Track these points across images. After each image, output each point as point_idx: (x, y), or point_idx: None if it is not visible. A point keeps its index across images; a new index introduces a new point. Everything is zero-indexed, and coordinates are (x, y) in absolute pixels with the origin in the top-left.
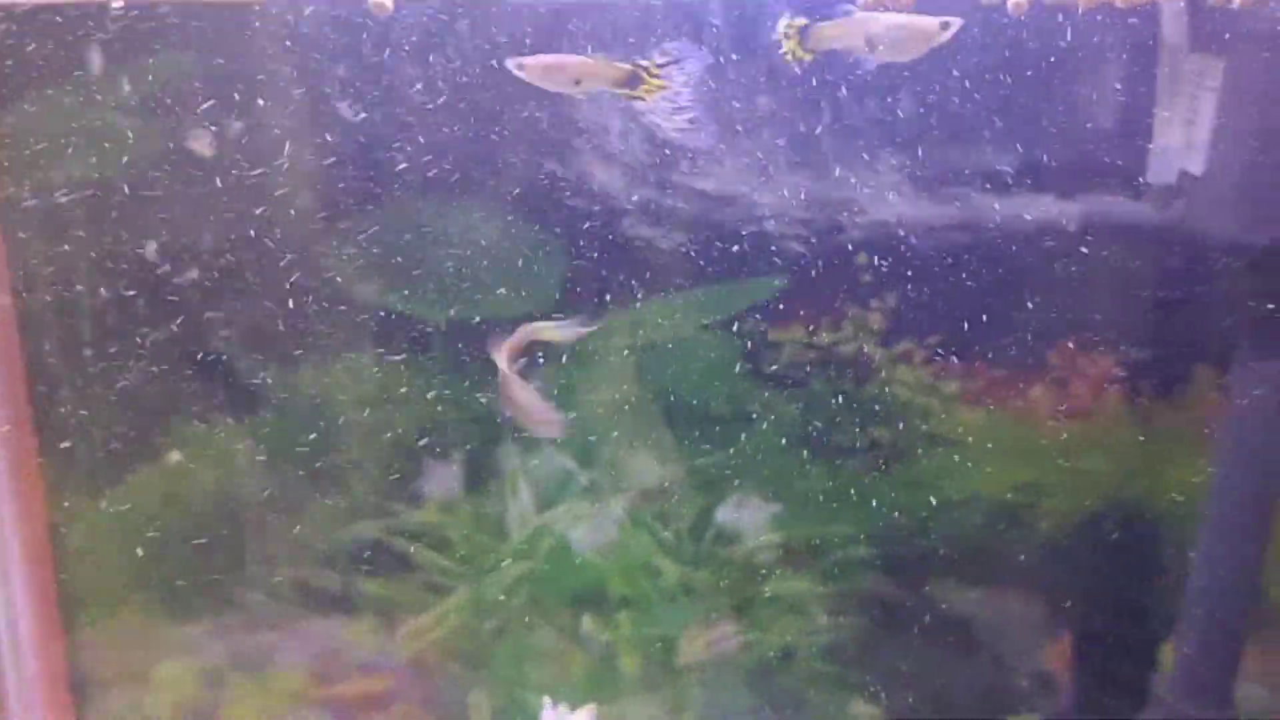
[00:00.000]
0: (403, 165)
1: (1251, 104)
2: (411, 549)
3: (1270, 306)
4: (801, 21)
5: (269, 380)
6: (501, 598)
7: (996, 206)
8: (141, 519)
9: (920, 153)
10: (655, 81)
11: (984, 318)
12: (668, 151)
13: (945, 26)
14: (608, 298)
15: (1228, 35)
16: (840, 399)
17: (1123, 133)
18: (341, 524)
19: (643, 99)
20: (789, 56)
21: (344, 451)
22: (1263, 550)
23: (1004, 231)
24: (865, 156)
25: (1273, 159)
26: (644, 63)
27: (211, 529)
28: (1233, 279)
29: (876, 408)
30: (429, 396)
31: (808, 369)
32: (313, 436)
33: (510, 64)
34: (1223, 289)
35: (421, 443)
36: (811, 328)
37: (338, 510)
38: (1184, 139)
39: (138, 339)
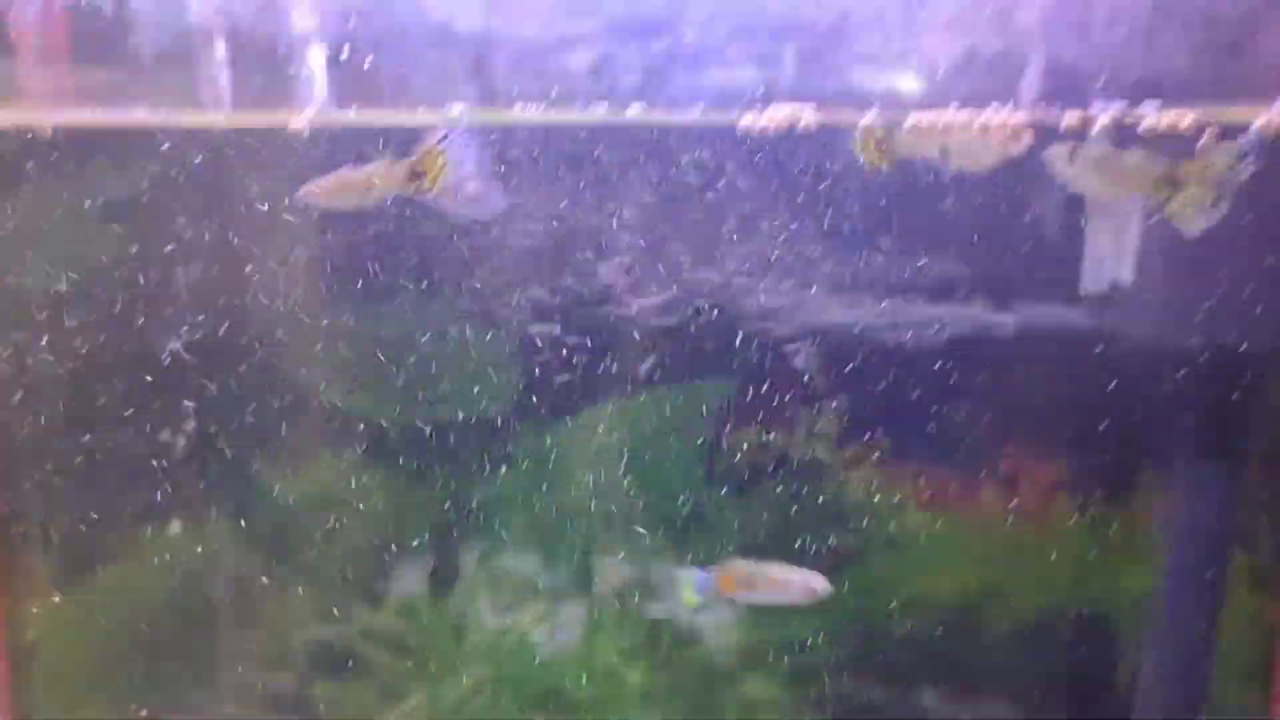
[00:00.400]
0: (355, 270)
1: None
2: (368, 652)
3: (1203, 411)
4: (881, 132)
5: (225, 486)
6: (461, 701)
7: (940, 315)
8: (95, 622)
9: (859, 259)
10: (439, 160)
11: (933, 424)
12: (623, 257)
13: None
14: (567, 401)
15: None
16: (795, 502)
17: (1057, 243)
18: (299, 627)
19: (430, 188)
20: (868, 165)
21: (302, 555)
22: (1211, 652)
23: (949, 339)
24: (801, 257)
25: (1199, 265)
26: (415, 156)
27: (166, 632)
28: (1167, 384)
29: (832, 511)
30: (386, 500)
31: (763, 472)
32: (270, 540)
33: (299, 198)
34: (1159, 394)
35: (379, 546)
36: (766, 431)
37: (295, 613)
38: (1114, 248)
39: (91, 442)
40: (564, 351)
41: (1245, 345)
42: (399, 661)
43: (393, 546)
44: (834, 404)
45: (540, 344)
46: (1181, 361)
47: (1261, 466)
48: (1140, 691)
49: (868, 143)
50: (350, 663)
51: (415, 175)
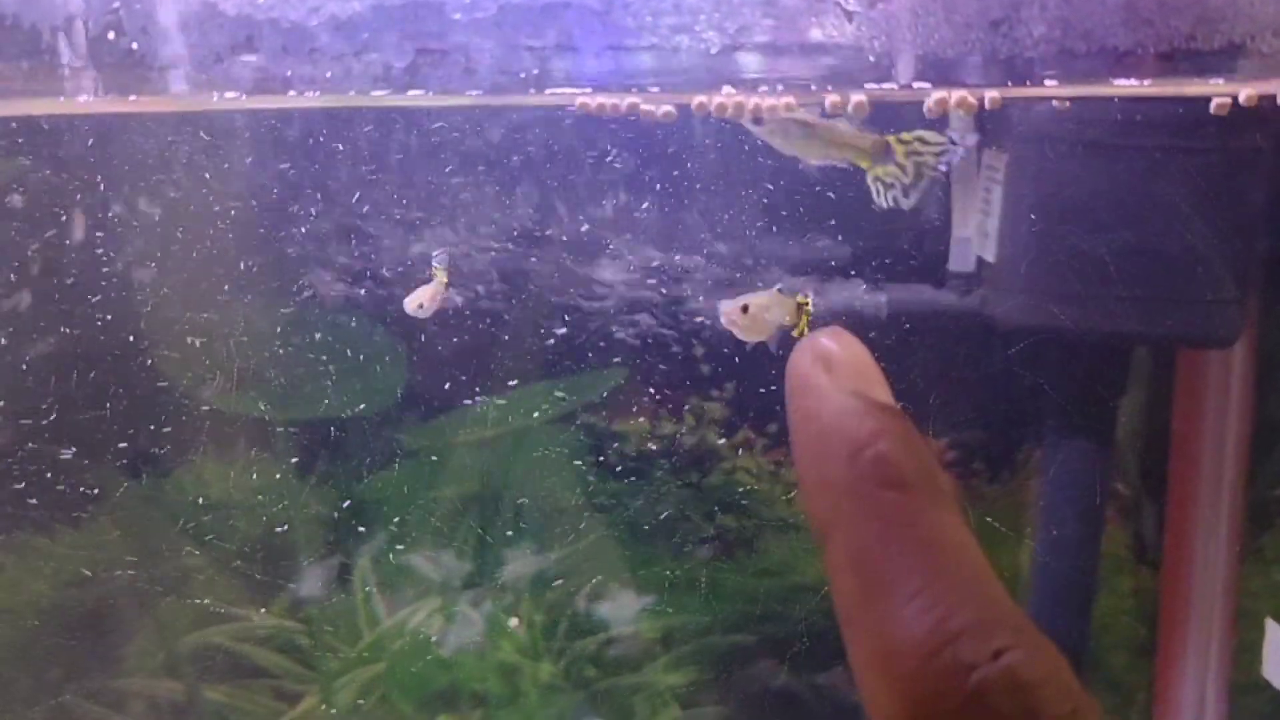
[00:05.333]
0: (241, 263)
1: (1032, 194)
2: (260, 655)
3: (1069, 386)
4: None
5: (110, 486)
6: (356, 701)
7: (821, 296)
8: None
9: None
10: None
11: None
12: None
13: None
14: (450, 394)
15: (1011, 131)
16: (686, 488)
17: (926, 224)
18: (186, 630)
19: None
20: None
21: (189, 557)
22: (1087, 624)
23: (831, 320)
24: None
25: (1055, 244)
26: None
27: (51, 638)
28: (1031, 360)
29: (722, 496)
30: (275, 498)
31: (652, 459)
32: (156, 542)
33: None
34: (1025, 370)
35: (269, 546)
36: (654, 418)
37: (182, 616)
38: (980, 229)
39: None
40: (452, 344)
41: (1112, 323)
42: (292, 663)
43: (282, 547)
44: (722, 389)
45: (427, 337)
46: (1051, 338)
47: (1134, 441)
48: None
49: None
50: (241, 667)
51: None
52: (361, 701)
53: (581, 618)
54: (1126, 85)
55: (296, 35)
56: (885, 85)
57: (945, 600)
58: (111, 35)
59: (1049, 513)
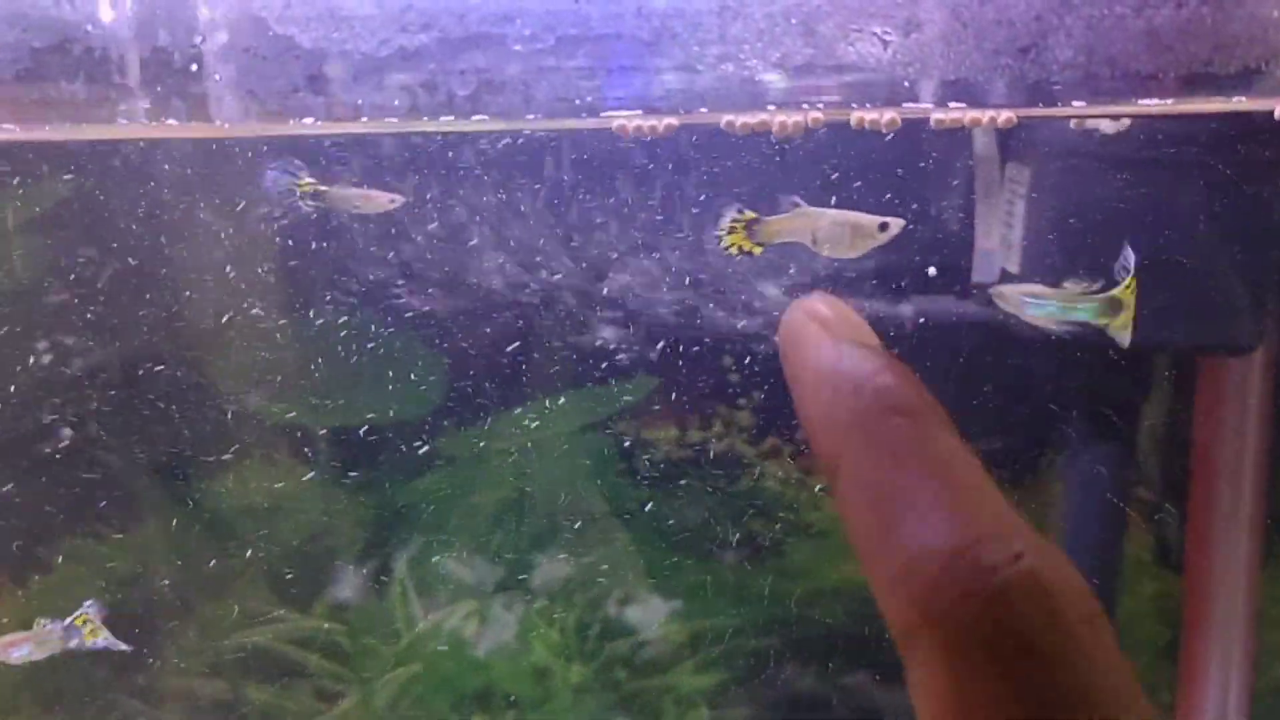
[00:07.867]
0: (279, 276)
1: (1056, 206)
2: (301, 655)
3: (1092, 392)
4: (751, 215)
5: (156, 491)
6: (394, 701)
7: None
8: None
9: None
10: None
11: None
12: (539, 256)
13: (884, 228)
14: (487, 403)
15: (1034, 147)
16: (713, 494)
17: (950, 237)
18: (229, 631)
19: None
20: (734, 250)
21: (232, 559)
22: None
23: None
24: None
25: (1077, 255)
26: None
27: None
28: (1054, 367)
29: (749, 502)
30: (313, 504)
31: (681, 465)
32: (200, 545)
33: None
34: (1048, 376)
35: (310, 549)
36: (683, 426)
37: (225, 617)
38: (1004, 241)
39: (23, 451)
40: (485, 354)
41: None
42: (332, 664)
43: (322, 550)
44: (749, 398)
45: (462, 347)
46: (1073, 348)
47: (1157, 446)
48: None
49: (734, 225)
50: (283, 667)
51: (71, 632)
52: (398, 702)
53: (612, 621)
54: (1149, 105)
55: (367, 65)
56: (921, 104)
57: (963, 509)
58: (194, 68)
59: (1071, 517)
